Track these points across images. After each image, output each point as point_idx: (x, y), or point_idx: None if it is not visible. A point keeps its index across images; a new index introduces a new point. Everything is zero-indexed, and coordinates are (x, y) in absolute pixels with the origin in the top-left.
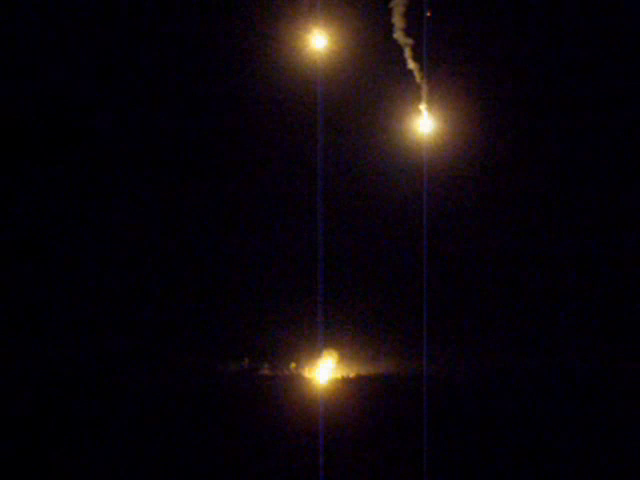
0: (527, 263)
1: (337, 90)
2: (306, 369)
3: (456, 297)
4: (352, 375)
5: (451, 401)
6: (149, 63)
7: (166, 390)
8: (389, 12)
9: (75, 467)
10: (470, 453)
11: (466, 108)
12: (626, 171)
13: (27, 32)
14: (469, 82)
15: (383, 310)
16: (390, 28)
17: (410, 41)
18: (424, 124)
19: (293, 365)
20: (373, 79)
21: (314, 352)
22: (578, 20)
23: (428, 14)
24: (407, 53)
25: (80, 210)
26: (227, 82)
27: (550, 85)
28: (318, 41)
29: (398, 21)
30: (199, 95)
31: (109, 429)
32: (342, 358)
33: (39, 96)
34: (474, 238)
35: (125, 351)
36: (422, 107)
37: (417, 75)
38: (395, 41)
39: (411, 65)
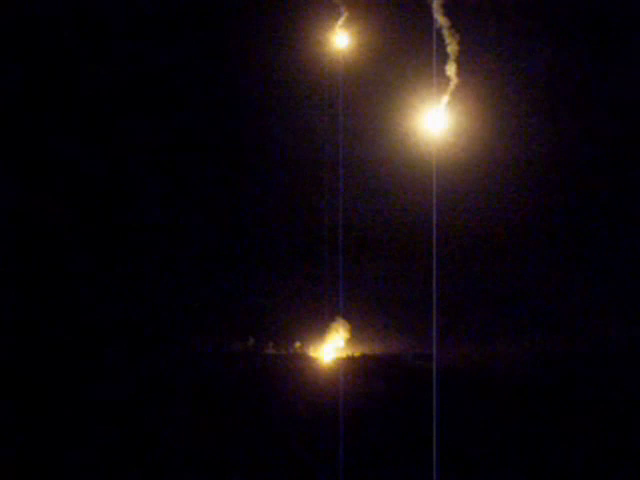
0: (538, 245)
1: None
2: (311, 348)
3: (466, 280)
4: (357, 354)
5: (457, 382)
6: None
7: (171, 370)
8: None
9: (85, 440)
10: (478, 436)
11: (497, 85)
12: None
13: None
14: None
15: (391, 290)
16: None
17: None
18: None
19: (298, 344)
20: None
21: (319, 331)
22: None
23: None
24: (435, 7)
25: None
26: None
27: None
28: (341, 39)
29: None
30: (225, 94)
31: (116, 408)
32: (348, 337)
33: None
34: (485, 221)
35: (131, 333)
36: (449, 72)
37: (446, 33)
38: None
39: (441, 21)
